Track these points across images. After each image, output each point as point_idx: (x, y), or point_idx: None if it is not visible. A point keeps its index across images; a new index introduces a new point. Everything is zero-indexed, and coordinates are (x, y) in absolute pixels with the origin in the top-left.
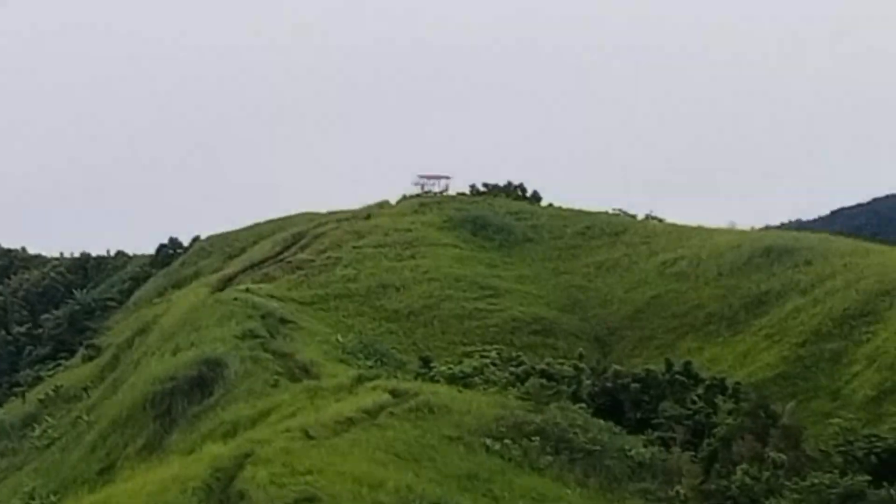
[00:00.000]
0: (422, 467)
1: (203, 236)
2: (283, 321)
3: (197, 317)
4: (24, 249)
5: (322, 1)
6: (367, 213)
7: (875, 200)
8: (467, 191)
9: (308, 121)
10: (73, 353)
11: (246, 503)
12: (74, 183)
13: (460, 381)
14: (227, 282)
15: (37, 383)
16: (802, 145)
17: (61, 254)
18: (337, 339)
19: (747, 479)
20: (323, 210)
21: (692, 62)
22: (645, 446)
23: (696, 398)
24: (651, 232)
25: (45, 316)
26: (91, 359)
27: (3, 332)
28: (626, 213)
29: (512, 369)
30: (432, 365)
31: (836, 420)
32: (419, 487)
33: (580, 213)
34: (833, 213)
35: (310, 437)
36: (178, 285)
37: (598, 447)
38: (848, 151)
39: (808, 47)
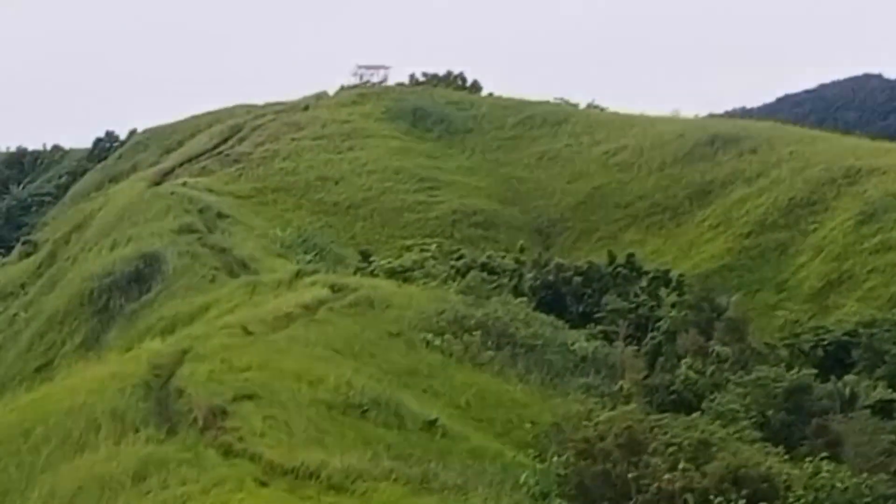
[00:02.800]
0: (362, 363)
1: (140, 129)
2: (221, 215)
3: (134, 212)
4: None
5: None
6: (306, 105)
7: (822, 86)
8: (407, 81)
9: (246, 11)
10: (9, 249)
11: (184, 400)
12: (9, 76)
13: (400, 275)
14: (165, 176)
15: None
16: (748, 30)
17: None
18: (275, 234)
19: (691, 374)
20: (261, 102)
21: None
22: (587, 340)
23: (639, 291)
24: (593, 121)
25: None
26: (28, 255)
27: None
28: (567, 102)
29: (452, 263)
30: (372, 259)
31: (781, 312)
32: (359, 384)
33: (521, 102)
34: (779, 99)
35: (248, 334)
36: (115, 179)
37: (539, 342)
38: (795, 36)
39: None
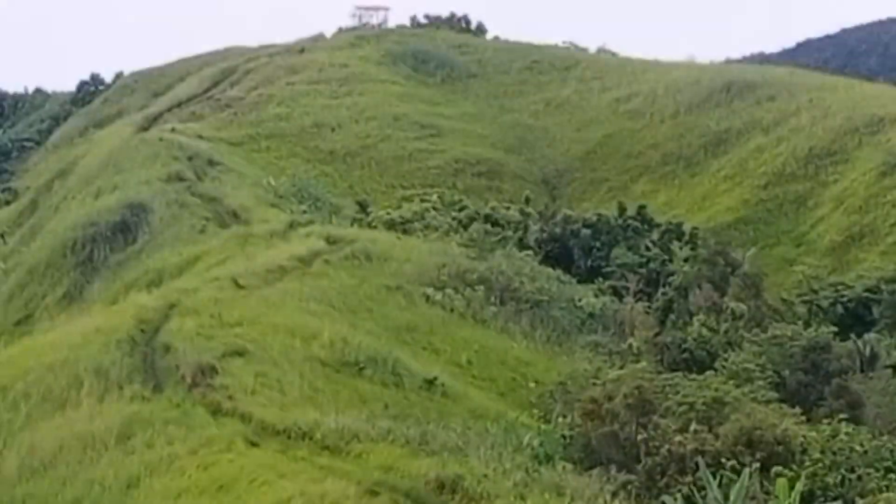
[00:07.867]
0: (358, 318)
1: (127, 72)
2: (212, 163)
3: (120, 158)
4: None
5: None
6: (301, 48)
7: (844, 31)
8: (408, 23)
9: None
10: None
11: (171, 356)
12: None
13: (399, 226)
14: (153, 121)
15: None
16: None
17: None
18: (269, 182)
19: (704, 331)
20: (254, 44)
21: None
22: (596, 296)
23: (650, 245)
24: (604, 66)
25: None
26: (8, 203)
27: None
28: (576, 47)
29: (454, 214)
30: (370, 209)
31: (799, 267)
32: (355, 340)
33: (528, 46)
34: (799, 45)
35: (239, 287)
36: (100, 125)
37: (545, 297)
38: None
39: None
